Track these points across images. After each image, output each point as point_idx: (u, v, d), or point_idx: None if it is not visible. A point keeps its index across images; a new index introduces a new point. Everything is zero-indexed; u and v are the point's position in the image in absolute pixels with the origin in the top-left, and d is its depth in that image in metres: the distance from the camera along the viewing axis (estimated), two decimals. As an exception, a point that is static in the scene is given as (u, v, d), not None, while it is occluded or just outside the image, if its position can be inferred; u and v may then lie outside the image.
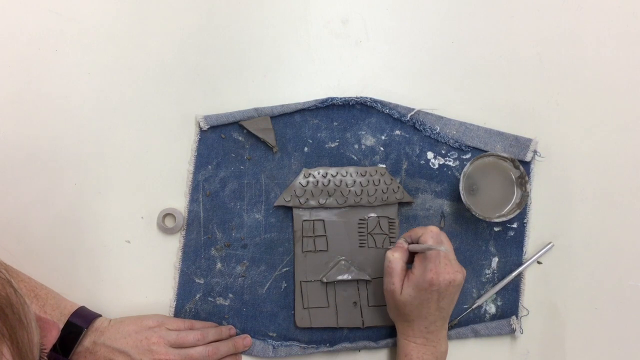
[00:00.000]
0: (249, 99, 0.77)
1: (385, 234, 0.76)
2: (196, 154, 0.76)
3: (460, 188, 0.73)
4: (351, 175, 0.76)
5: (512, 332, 0.75)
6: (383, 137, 0.77)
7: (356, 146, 0.77)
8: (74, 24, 0.77)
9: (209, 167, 0.76)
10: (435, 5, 0.79)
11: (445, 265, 0.66)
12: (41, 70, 0.77)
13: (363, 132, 0.77)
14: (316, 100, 0.76)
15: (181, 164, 0.76)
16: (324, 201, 0.76)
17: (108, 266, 0.75)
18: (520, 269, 0.76)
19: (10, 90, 0.76)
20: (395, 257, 0.69)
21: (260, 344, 0.74)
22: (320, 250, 0.76)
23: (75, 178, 0.76)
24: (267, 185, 0.76)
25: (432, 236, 0.68)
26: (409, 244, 0.70)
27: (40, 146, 0.76)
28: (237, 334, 0.74)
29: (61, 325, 0.67)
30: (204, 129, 0.76)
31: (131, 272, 0.75)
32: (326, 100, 0.76)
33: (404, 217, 0.77)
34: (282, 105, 0.76)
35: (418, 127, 0.77)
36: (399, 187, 0.76)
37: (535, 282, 0.77)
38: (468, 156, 0.77)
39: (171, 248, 0.76)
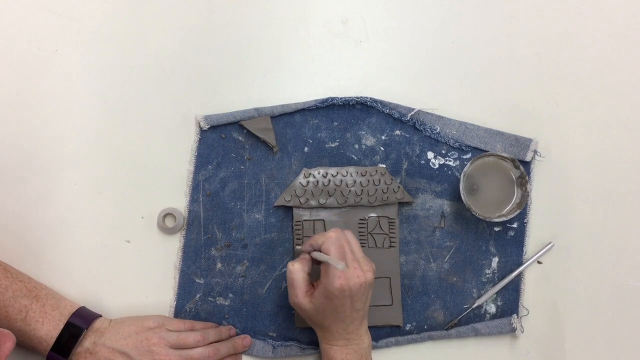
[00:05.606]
0: (249, 99, 0.77)
1: (386, 234, 0.76)
2: (196, 154, 0.76)
3: (461, 188, 0.73)
4: (351, 175, 0.76)
5: (512, 331, 0.75)
6: (383, 137, 0.77)
7: (356, 146, 0.77)
8: (74, 24, 0.77)
9: (209, 167, 0.76)
10: (435, 5, 0.79)
11: (354, 268, 0.64)
12: (41, 70, 0.77)
13: (363, 132, 0.77)
14: (316, 100, 0.76)
15: (181, 164, 0.76)
16: (324, 201, 0.76)
17: (108, 266, 0.75)
18: (520, 268, 0.76)
19: (10, 90, 0.76)
20: (296, 268, 0.66)
21: (260, 344, 0.74)
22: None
23: (75, 178, 0.76)
24: (267, 185, 0.76)
25: (332, 243, 0.65)
26: (313, 250, 0.67)
27: (40, 146, 0.76)
28: (237, 334, 0.75)
29: (61, 325, 0.67)
30: (204, 129, 0.76)
31: (131, 272, 0.75)
32: (326, 100, 0.76)
33: (404, 217, 0.77)
34: (282, 105, 0.76)
35: (418, 127, 0.77)
36: (399, 187, 0.76)
37: (535, 282, 0.77)
38: (468, 156, 0.77)
39: (171, 248, 0.76)
